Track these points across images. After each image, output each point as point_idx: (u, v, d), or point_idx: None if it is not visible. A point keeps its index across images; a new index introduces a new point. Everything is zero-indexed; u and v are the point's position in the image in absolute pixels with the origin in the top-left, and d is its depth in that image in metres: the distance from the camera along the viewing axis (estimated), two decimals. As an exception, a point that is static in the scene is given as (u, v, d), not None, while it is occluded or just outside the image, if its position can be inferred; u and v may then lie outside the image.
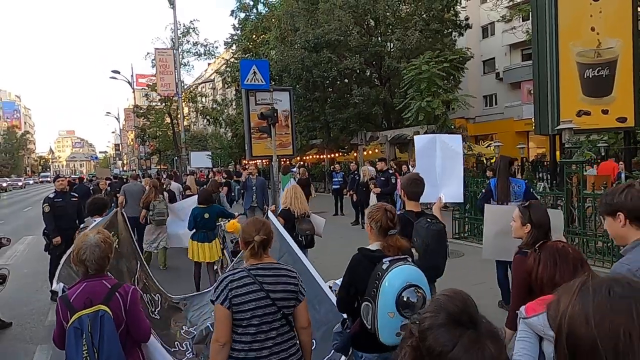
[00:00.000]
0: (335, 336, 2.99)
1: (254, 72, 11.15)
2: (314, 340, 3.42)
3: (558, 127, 9.85)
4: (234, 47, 37.29)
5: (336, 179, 16.58)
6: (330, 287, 4.15)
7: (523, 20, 31.22)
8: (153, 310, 4.82)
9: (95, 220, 5.21)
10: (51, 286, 3.82)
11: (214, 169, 25.85)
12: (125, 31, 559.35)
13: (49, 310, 6.98)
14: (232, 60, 38.18)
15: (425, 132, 19.97)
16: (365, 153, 25.28)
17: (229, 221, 6.75)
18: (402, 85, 19.16)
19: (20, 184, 64.05)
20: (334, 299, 3.61)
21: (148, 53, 27.01)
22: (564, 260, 2.10)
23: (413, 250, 3.13)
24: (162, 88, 20.44)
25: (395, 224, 2.86)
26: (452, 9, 22.99)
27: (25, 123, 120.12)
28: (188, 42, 25.58)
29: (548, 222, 2.83)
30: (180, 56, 21.72)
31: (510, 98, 34.08)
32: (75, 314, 2.58)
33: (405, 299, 2.44)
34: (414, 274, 2.55)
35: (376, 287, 2.53)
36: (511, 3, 29.00)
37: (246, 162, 40.50)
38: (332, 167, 21.20)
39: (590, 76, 9.89)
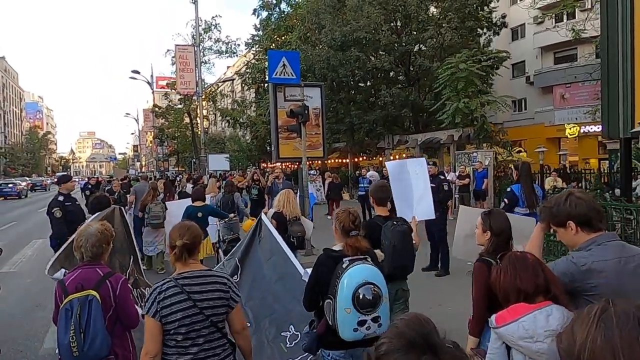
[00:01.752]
0: (304, 336, 3.15)
1: (284, 65, 10.05)
2: (298, 333, 3.74)
3: (634, 130, 8.52)
4: (255, 47, 36.52)
5: (362, 185, 15.44)
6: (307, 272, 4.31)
7: (556, 22, 29.73)
8: (142, 304, 4.63)
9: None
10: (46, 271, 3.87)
11: (231, 172, 25.14)
12: (146, 30, 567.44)
13: (46, 333, 6.07)
14: (253, 61, 37.44)
15: (461, 136, 18.76)
16: (391, 158, 24.05)
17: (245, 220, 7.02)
18: (437, 85, 17.94)
19: (45, 182, 51.95)
20: None
21: (168, 50, 26.31)
22: (523, 266, 2.06)
23: (378, 251, 3.44)
24: (182, 86, 19.51)
25: (358, 226, 3.01)
26: (487, 6, 21.68)
27: (47, 124, 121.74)
28: (210, 38, 24.66)
29: (508, 229, 2.87)
30: (202, 53, 20.74)
31: (541, 103, 32.51)
32: (67, 296, 2.78)
33: (360, 296, 2.61)
34: (371, 273, 2.72)
35: (336, 285, 2.68)
36: (546, 3, 27.63)
37: (265, 165, 39.87)
38: (358, 171, 20.06)
39: (671, 72, 8.69)
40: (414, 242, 3.92)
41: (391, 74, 22.92)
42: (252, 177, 13.53)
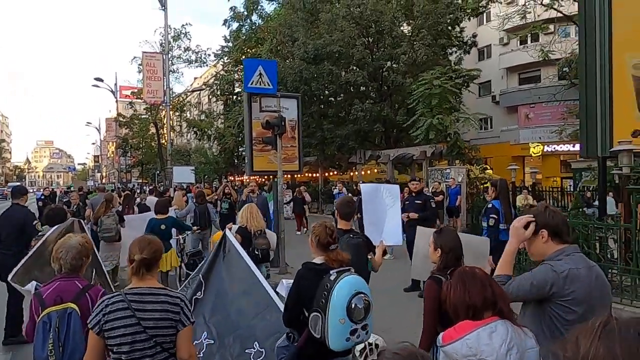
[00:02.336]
0: (280, 350, 3.07)
1: (260, 74, 9.62)
2: (263, 350, 3.70)
3: (613, 149, 8.50)
4: (224, 58, 35.93)
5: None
6: (282, 282, 4.43)
7: (521, 44, 30.63)
8: None
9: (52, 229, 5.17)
10: (6, 278, 3.89)
11: (196, 185, 24.34)
12: (111, 37, 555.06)
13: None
14: (222, 72, 36.79)
15: (433, 152, 18.73)
16: (362, 173, 23.89)
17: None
18: (410, 101, 17.88)
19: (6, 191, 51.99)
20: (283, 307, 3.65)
21: (135, 57, 25.32)
22: (471, 281, 2.07)
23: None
24: (149, 95, 18.71)
25: (335, 240, 3.07)
26: (458, 25, 21.99)
27: (1, 131, 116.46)
28: (179, 47, 23.91)
29: (457, 247, 2.94)
30: (170, 62, 20.04)
31: (506, 122, 33.31)
32: (45, 309, 2.72)
33: (353, 306, 2.69)
34: (359, 283, 2.80)
35: (325, 297, 2.71)
36: (513, 25, 28.45)
37: (233, 178, 39.04)
38: (334, 186, 19.70)
39: (648, 92, 8.78)
40: (372, 260, 4.08)
41: (362, 88, 22.85)
42: (224, 190, 12.92)
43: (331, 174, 26.91)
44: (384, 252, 4.36)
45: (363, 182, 20.66)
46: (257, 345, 3.87)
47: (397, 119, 20.63)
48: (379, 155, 21.39)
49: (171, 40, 20.92)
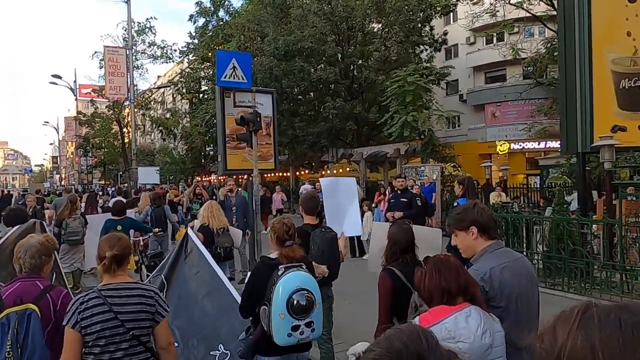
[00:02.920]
0: (240, 343, 3.17)
1: (234, 67, 9.08)
2: (228, 352, 3.70)
3: (595, 145, 8.44)
4: (189, 55, 34.91)
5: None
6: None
7: (487, 44, 31.09)
8: None
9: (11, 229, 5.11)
10: None
11: (161, 186, 23.45)
12: (68, 32, 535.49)
13: None
14: (187, 70, 35.73)
15: (407, 151, 18.59)
16: (334, 172, 23.55)
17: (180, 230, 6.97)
18: (384, 98, 17.66)
19: None
20: None
21: (96, 52, 23.98)
22: (446, 267, 2.13)
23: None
24: (112, 91, 17.74)
25: (292, 236, 3.12)
26: (428, 23, 21.96)
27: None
28: (143, 42, 22.85)
29: (403, 240, 3.07)
30: (134, 57, 19.11)
31: (474, 120, 33.74)
32: (4, 310, 2.67)
33: (295, 302, 2.73)
34: (305, 279, 2.85)
35: (272, 291, 2.78)
36: (480, 24, 28.78)
37: (200, 178, 37.99)
38: (303, 184, 19.31)
39: (627, 87, 8.76)
40: (341, 252, 4.22)
41: (332, 86, 22.50)
42: (194, 190, 12.32)
43: (302, 173, 26.45)
44: (363, 252, 4.46)
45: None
46: (222, 347, 3.84)
47: (370, 117, 20.40)
48: (352, 153, 21.11)
49: (135, 35, 19.96)
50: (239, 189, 15.60)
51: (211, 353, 3.79)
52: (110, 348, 2.44)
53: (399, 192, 7.49)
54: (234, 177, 10.80)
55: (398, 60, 19.76)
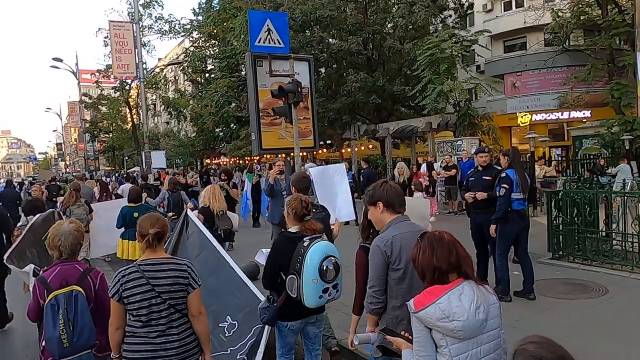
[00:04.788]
0: (262, 312, 3.37)
1: (268, 30, 7.86)
2: (236, 322, 4.05)
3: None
4: (194, 34, 33.36)
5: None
6: (262, 251, 4.47)
7: (505, 10, 29.43)
8: None
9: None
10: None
11: (168, 170, 22.52)
12: (68, 15, 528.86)
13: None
14: (191, 49, 34.21)
15: (439, 124, 17.32)
16: (356, 150, 22.32)
17: None
18: (415, 67, 16.31)
19: None
20: (251, 286, 4.12)
21: (100, 29, 22.44)
22: (439, 244, 2.18)
23: None
24: (119, 70, 16.44)
25: (310, 211, 3.41)
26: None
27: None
28: (150, 16, 21.35)
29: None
30: (141, 33, 17.73)
31: (492, 91, 32.25)
32: (51, 292, 2.92)
33: (324, 268, 3.06)
34: (330, 248, 3.18)
35: (300, 261, 3.08)
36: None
37: (210, 161, 36.75)
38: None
39: None
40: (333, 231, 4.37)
41: (353, 57, 20.99)
42: (220, 176, 11.15)
43: (321, 151, 25.18)
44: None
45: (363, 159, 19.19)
46: (230, 318, 4.06)
47: (394, 89, 19.02)
48: (376, 129, 19.79)
49: (141, 9, 18.49)
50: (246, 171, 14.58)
51: (220, 325, 3.95)
52: (154, 316, 2.73)
53: (480, 169, 6.27)
54: (282, 156, 9.63)
55: (424, 28, 18.36)
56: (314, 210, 4.16)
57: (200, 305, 2.91)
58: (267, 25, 7.83)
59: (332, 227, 4.44)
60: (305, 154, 12.68)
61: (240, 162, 31.02)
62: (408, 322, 2.42)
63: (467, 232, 10.82)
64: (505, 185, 5.67)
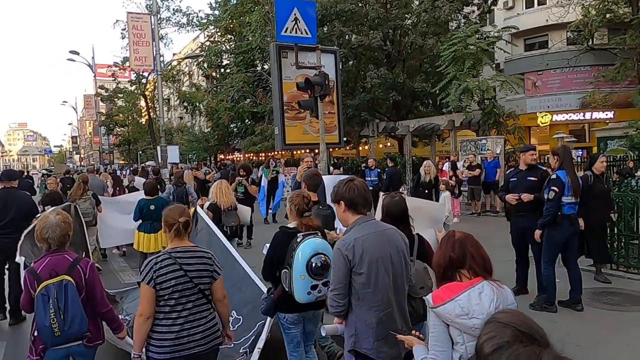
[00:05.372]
0: (262, 302, 3.53)
1: (295, 19, 7.49)
2: (240, 317, 4.23)
3: None
4: (210, 28, 33.07)
5: (369, 178, 13.15)
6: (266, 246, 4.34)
7: (527, 7, 28.72)
8: None
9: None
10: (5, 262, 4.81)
11: (180, 165, 22.34)
12: (86, 9, 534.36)
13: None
14: (207, 44, 33.93)
15: (462, 122, 16.83)
16: (374, 147, 21.89)
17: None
18: (438, 64, 15.83)
19: None
20: (257, 281, 4.23)
21: (117, 21, 22.17)
22: (445, 241, 2.19)
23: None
24: (137, 62, 16.20)
25: (310, 208, 3.55)
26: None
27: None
28: (168, 8, 21.05)
29: (395, 211, 3.33)
30: (159, 26, 17.47)
31: (500, 92, 31.58)
32: (42, 283, 2.96)
33: (313, 264, 3.12)
34: (321, 245, 3.22)
35: (292, 256, 3.16)
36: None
37: (224, 156, 36.56)
38: (364, 163, 17.69)
39: None
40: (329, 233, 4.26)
41: (373, 53, 20.51)
42: (239, 172, 10.82)
43: (337, 149, 24.75)
44: None
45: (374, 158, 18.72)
46: (235, 313, 4.14)
47: (415, 86, 18.52)
48: (396, 127, 19.32)
49: (159, 0, 18.24)
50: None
51: None
52: (182, 300, 2.88)
53: (524, 169, 5.80)
54: (312, 151, 9.30)
55: (446, 23, 17.87)
56: (320, 207, 4.37)
57: (224, 290, 3.12)
58: (295, 14, 7.45)
59: (337, 233, 4.51)
60: (314, 150, 12.36)
61: (255, 158, 30.73)
62: (379, 326, 2.61)
63: (492, 234, 10.37)
64: (555, 188, 5.30)
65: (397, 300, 2.68)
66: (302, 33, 7.57)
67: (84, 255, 5.09)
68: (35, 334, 3.04)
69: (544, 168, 5.88)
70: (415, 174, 10.49)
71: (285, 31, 7.45)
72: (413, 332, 2.38)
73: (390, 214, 3.31)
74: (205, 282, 2.95)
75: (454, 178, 12.03)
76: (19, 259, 3.70)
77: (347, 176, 6.41)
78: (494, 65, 31.07)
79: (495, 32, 16.70)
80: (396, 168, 12.76)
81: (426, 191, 9.62)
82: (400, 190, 12.30)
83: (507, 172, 6.10)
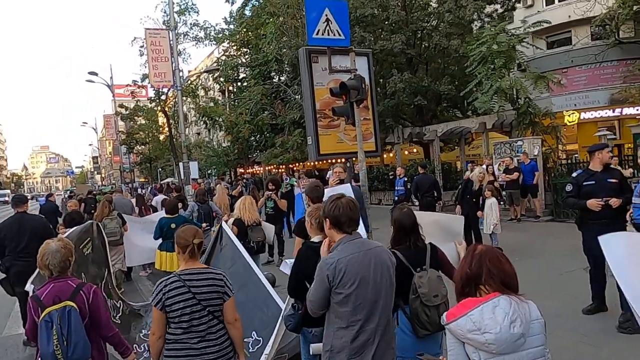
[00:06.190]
0: (288, 319, 3.41)
1: (327, 20, 6.99)
2: (261, 338, 4.09)
3: None
4: (225, 42, 32.99)
5: (398, 187, 12.58)
6: (286, 262, 4.43)
7: (547, 4, 27.90)
8: (114, 315, 5.14)
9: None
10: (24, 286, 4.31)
11: (199, 181, 22.10)
12: (101, 34, 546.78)
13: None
14: (223, 58, 33.86)
15: (494, 124, 16.13)
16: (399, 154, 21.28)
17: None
18: (468, 64, 15.22)
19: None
20: (279, 301, 4.12)
21: (135, 38, 22.07)
22: (465, 258, 2.18)
23: None
24: (156, 79, 15.98)
25: None
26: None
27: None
28: (185, 23, 20.88)
29: (407, 223, 3.32)
30: (177, 41, 17.25)
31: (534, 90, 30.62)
32: (45, 309, 2.97)
33: None
34: None
35: None
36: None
37: (243, 170, 36.27)
38: (392, 172, 17.11)
39: None
40: None
41: (407, 54, 19.79)
42: (267, 185, 10.31)
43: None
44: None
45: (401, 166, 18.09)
46: (255, 334, 4.10)
47: (441, 90, 17.89)
48: (422, 132, 18.68)
49: (176, 16, 18.00)
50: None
51: (245, 340, 3.83)
52: (194, 322, 2.89)
53: (596, 169, 5.11)
54: (342, 161, 8.80)
55: (471, 23, 17.26)
56: None
57: (235, 312, 3.09)
58: (326, 15, 6.96)
59: None
60: (343, 160, 11.76)
61: (275, 170, 30.37)
62: (354, 344, 2.63)
63: (539, 241, 9.58)
64: None
65: (378, 320, 2.68)
66: (334, 34, 7.06)
67: (105, 273, 5.53)
68: None
69: (618, 168, 5.21)
70: (460, 181, 9.82)
71: (317, 33, 6.95)
72: (441, 358, 2.34)
73: (402, 227, 3.31)
74: (215, 304, 2.97)
75: (495, 183, 11.33)
76: (29, 287, 3.62)
77: (341, 190, 6.23)
78: (514, 66, 30.35)
79: (525, 27, 15.97)
80: (428, 175, 12.15)
81: (474, 199, 8.98)
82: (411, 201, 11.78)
83: (576, 174, 5.36)
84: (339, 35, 7.09)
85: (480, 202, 8.88)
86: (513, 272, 2.09)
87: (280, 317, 3.67)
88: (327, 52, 7.13)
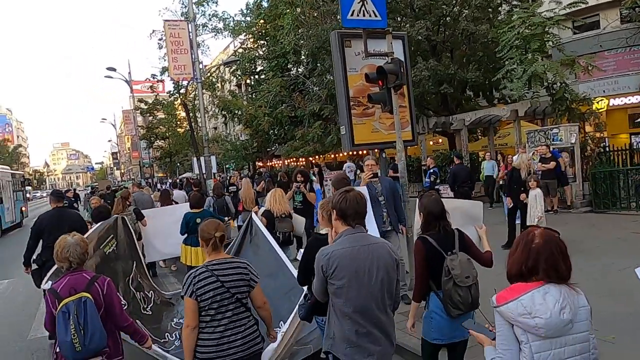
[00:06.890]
0: (299, 308, 3.56)
1: (362, 0, 6.51)
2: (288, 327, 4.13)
3: None
4: (242, 35, 32.62)
5: (428, 179, 12.12)
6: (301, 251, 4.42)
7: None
8: (145, 307, 5.24)
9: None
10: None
11: (220, 174, 21.83)
12: (118, 31, 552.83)
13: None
14: (239, 50, 33.50)
15: (526, 111, 15.47)
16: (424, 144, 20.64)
17: None
18: (497, 49, 14.56)
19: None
20: (306, 291, 3.99)
21: (154, 31, 21.63)
22: (515, 247, 2.16)
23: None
24: (176, 71, 15.64)
25: None
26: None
27: (17, 137, 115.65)
28: (204, 14, 20.49)
29: (436, 209, 3.39)
30: (196, 32, 16.89)
31: (570, 75, 29.58)
32: (62, 301, 3.10)
33: None
34: None
35: None
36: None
37: (262, 164, 35.97)
38: (425, 162, 16.59)
39: None
40: None
41: (432, 41, 19.08)
42: (295, 177, 9.92)
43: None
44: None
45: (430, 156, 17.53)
46: (283, 324, 4.08)
47: (468, 77, 17.22)
48: (449, 121, 18.05)
49: (194, 7, 17.62)
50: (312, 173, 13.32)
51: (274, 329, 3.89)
52: (222, 310, 3.04)
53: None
54: (373, 152, 8.35)
55: (498, 7, 16.53)
56: None
57: (263, 296, 3.28)
58: (361, -5, 6.45)
59: None
60: (366, 151, 11.26)
61: (295, 163, 29.99)
62: (351, 335, 2.70)
63: (583, 235, 8.98)
64: None
65: (373, 314, 2.72)
66: (370, 15, 6.55)
67: (134, 266, 5.59)
68: (58, 350, 3.16)
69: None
70: (509, 170, 9.31)
71: (352, 14, 6.45)
72: (487, 326, 2.36)
73: (432, 213, 3.37)
74: (243, 291, 3.12)
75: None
76: (45, 285, 3.65)
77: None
78: (549, 49, 29.42)
79: (560, 8, 15.21)
80: (463, 166, 11.66)
81: (522, 188, 8.57)
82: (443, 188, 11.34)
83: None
84: (375, 16, 6.59)
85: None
86: (569, 268, 2.07)
87: (297, 304, 3.76)
88: (362, 34, 6.64)
